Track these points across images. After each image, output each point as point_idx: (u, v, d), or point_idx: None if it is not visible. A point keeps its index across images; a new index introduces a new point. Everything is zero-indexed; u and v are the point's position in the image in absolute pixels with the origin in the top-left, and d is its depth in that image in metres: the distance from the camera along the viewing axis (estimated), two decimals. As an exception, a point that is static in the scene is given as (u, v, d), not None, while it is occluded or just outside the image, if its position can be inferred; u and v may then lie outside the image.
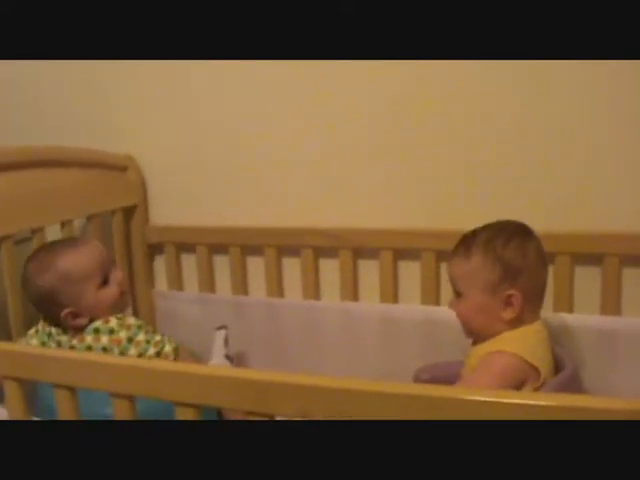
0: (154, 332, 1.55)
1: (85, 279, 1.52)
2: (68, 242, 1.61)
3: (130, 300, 1.68)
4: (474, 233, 1.47)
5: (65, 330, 1.55)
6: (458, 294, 1.45)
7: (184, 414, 1.06)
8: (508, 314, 1.42)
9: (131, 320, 1.54)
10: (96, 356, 1.35)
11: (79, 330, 1.53)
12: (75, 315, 1.52)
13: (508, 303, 1.41)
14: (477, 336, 1.46)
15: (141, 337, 1.51)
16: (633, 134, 1.55)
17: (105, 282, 1.56)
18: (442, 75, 1.65)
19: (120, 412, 1.12)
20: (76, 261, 1.53)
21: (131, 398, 1.11)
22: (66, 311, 1.51)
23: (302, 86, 1.79)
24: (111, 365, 1.12)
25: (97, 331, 1.51)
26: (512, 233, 1.45)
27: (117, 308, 1.56)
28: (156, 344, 1.51)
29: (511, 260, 1.43)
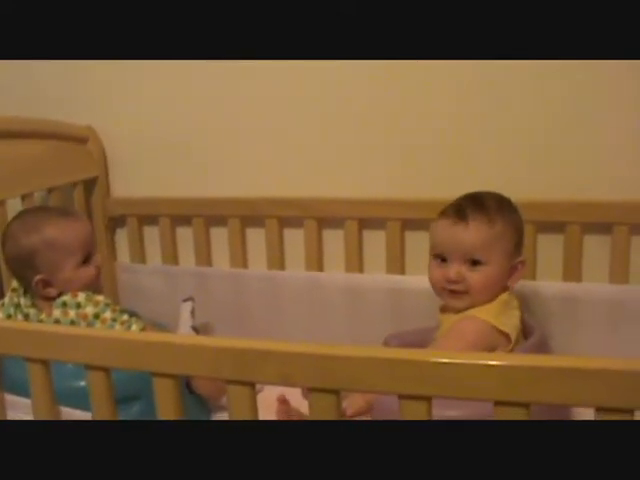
0: (122, 312, 1.53)
1: (68, 252, 1.50)
2: (61, 211, 1.59)
3: (102, 285, 1.66)
4: (477, 199, 1.45)
5: (34, 302, 1.53)
6: (475, 262, 1.42)
7: (162, 385, 1.05)
8: (512, 282, 1.45)
9: (100, 297, 1.51)
10: (69, 328, 1.34)
11: (46, 300, 1.51)
12: (46, 284, 1.50)
13: (514, 271, 1.44)
14: (476, 305, 1.44)
15: (108, 314, 1.49)
16: (600, 102, 1.57)
17: (85, 261, 1.54)
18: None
19: (95, 384, 1.10)
20: (64, 232, 1.51)
21: (106, 370, 1.10)
22: (39, 277, 1.49)
23: (267, 63, 1.76)
24: (86, 337, 1.10)
25: (64, 305, 1.48)
26: (509, 202, 1.47)
27: (90, 289, 1.53)
28: (122, 323, 1.49)
29: (521, 227, 1.46)
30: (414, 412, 0.91)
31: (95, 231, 1.94)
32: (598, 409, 0.85)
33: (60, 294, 1.50)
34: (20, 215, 1.57)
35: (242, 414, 1.01)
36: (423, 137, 1.71)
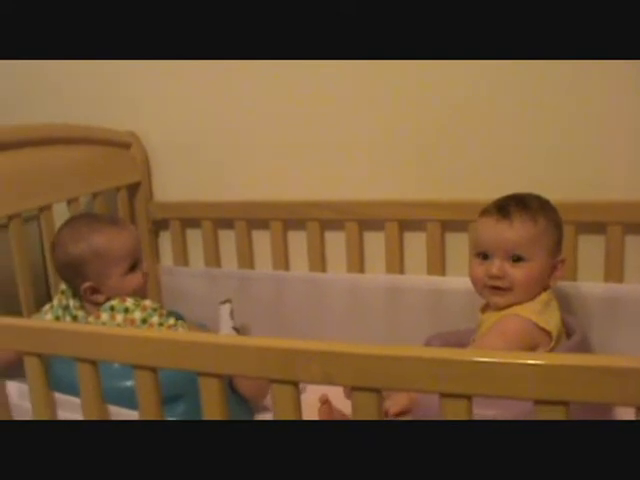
0: (168, 316, 1.56)
1: (115, 261, 1.55)
2: (109, 219, 1.63)
3: (148, 290, 1.70)
4: (520, 198, 1.47)
5: (82, 305, 1.57)
6: (517, 258, 1.43)
7: (207, 384, 1.07)
8: (553, 280, 1.46)
9: (147, 302, 1.55)
10: (118, 329, 1.36)
11: (95, 305, 1.55)
12: (94, 290, 1.54)
13: (554, 269, 1.45)
14: (517, 303, 1.44)
15: (155, 319, 1.52)
16: (634, 102, 1.57)
17: (132, 269, 1.58)
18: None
19: (142, 384, 1.13)
20: (112, 241, 1.55)
21: (154, 369, 1.12)
22: (87, 284, 1.53)
23: (302, 63, 1.79)
24: (133, 337, 1.13)
25: (112, 309, 1.52)
26: (549, 202, 1.48)
27: (137, 295, 1.56)
28: (169, 327, 1.53)
29: (561, 226, 1.48)
30: (455, 410, 0.92)
31: (138, 235, 1.98)
32: (639, 409, 0.86)
33: (107, 299, 1.54)
34: (69, 222, 1.61)
35: (286, 413, 1.03)
36: (463, 139, 1.72)
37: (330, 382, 0.98)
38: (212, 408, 1.08)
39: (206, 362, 1.06)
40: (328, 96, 1.81)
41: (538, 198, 1.48)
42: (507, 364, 0.89)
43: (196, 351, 1.06)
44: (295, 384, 1.02)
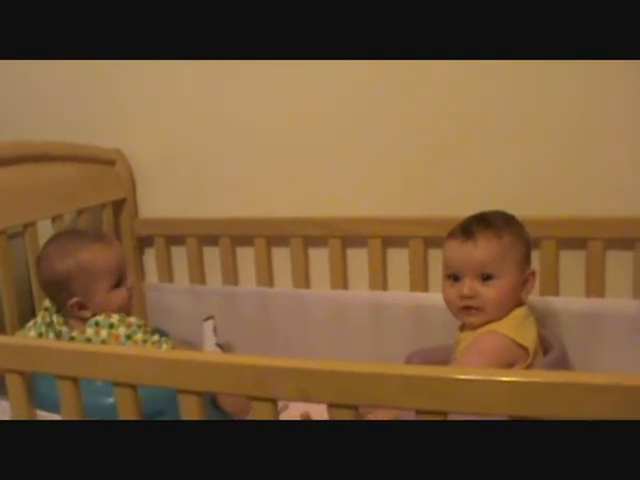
0: (152, 333, 1.57)
1: (101, 276, 1.56)
2: (94, 235, 1.64)
3: (133, 306, 1.71)
4: (483, 217, 1.48)
5: (66, 320, 1.58)
6: (487, 277, 1.43)
7: (187, 401, 1.08)
8: (525, 294, 1.47)
9: (132, 319, 1.56)
10: (98, 347, 1.37)
11: (81, 321, 1.56)
12: (81, 306, 1.55)
13: (525, 282, 1.46)
14: (492, 321, 1.45)
15: (139, 336, 1.53)
16: (614, 117, 1.59)
17: (118, 284, 1.59)
18: (429, 66, 1.67)
19: (123, 401, 1.14)
20: (98, 257, 1.56)
21: (134, 387, 1.13)
22: (74, 300, 1.54)
23: (288, 79, 1.81)
24: (114, 355, 1.13)
25: (97, 324, 1.53)
26: (514, 217, 1.49)
27: (122, 311, 1.58)
28: (153, 343, 1.53)
29: (529, 239, 1.48)
30: (430, 427, 0.93)
31: (124, 251, 1.98)
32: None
33: (94, 315, 1.55)
34: (55, 239, 1.62)
35: (264, 429, 1.03)
36: (445, 156, 1.73)
37: (306, 399, 0.99)
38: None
39: (184, 379, 1.07)
40: (312, 114, 1.83)
41: (502, 214, 1.49)
42: (482, 381, 0.90)
43: (174, 368, 1.07)
44: (273, 401, 1.02)
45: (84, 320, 1.55)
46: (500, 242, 1.43)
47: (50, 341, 1.50)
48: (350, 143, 1.81)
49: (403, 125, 1.75)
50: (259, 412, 1.03)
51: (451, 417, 0.93)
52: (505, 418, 0.90)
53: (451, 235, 1.49)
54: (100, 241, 1.60)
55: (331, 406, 0.98)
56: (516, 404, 0.88)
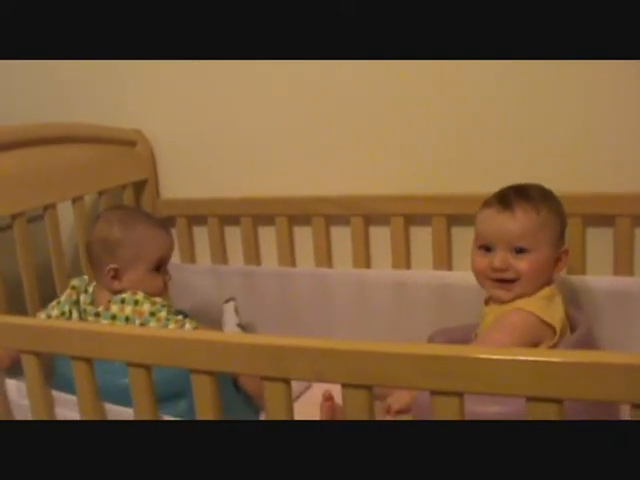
0: (176, 313, 1.58)
1: (147, 257, 1.59)
2: (155, 220, 1.70)
3: (168, 296, 1.74)
4: (522, 189, 1.44)
5: (92, 300, 1.59)
6: (520, 250, 1.40)
7: (200, 381, 1.07)
8: (557, 271, 1.44)
9: (157, 299, 1.57)
10: (111, 327, 1.37)
11: (109, 294, 1.57)
12: (116, 275, 1.57)
13: (558, 260, 1.43)
14: (521, 297, 1.42)
15: (163, 314, 1.54)
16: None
17: (157, 270, 1.61)
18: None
19: (136, 381, 1.13)
20: (153, 239, 1.61)
21: (147, 367, 1.12)
22: (113, 265, 1.57)
23: (308, 64, 1.78)
24: (126, 335, 1.13)
25: (123, 301, 1.54)
26: (551, 192, 1.45)
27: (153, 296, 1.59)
28: (176, 322, 1.54)
29: (565, 216, 1.45)
30: (446, 408, 0.91)
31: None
32: (634, 405, 0.84)
33: (122, 290, 1.56)
34: (123, 207, 1.73)
35: (277, 409, 1.02)
36: (469, 133, 1.70)
37: (320, 379, 0.97)
38: (205, 405, 1.08)
39: (197, 359, 1.06)
40: (333, 92, 1.80)
41: (540, 188, 1.45)
42: (499, 360, 0.87)
43: (187, 348, 1.06)
44: (286, 381, 1.01)
45: (112, 292, 1.57)
46: (538, 216, 1.40)
47: (64, 322, 1.50)
48: (372, 121, 1.78)
49: (425, 102, 1.72)
50: (272, 393, 1.01)
51: (467, 398, 0.91)
52: (523, 398, 0.88)
53: (486, 204, 1.46)
54: (160, 227, 1.66)
55: (345, 386, 0.96)
56: (534, 384, 0.86)
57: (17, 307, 1.58)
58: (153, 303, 1.55)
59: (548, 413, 0.87)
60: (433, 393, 0.91)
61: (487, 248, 1.45)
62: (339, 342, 0.96)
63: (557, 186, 1.47)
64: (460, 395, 0.91)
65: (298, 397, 1.61)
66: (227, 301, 1.85)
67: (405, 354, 0.91)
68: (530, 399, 0.87)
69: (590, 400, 0.86)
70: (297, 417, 1.04)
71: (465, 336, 1.54)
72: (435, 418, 0.92)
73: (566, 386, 0.85)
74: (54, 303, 1.61)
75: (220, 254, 2.00)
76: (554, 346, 1.36)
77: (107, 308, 1.55)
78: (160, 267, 1.62)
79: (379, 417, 1.41)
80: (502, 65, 1.62)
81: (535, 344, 1.36)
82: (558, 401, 0.86)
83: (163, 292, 1.64)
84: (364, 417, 0.96)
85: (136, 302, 1.54)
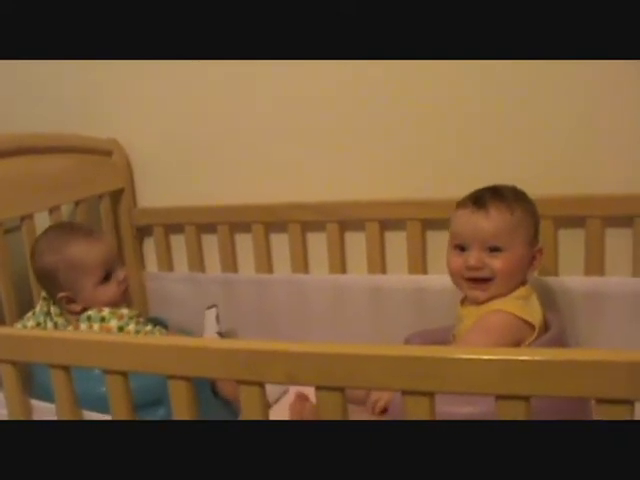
0: (146, 323, 1.58)
1: (88, 272, 1.56)
2: (83, 231, 1.63)
3: (131, 298, 1.72)
4: (496, 189, 1.47)
5: (62, 312, 1.59)
6: (494, 249, 1.42)
7: (177, 387, 1.08)
8: (532, 270, 1.47)
9: (124, 311, 1.57)
10: (88, 335, 1.38)
11: (72, 315, 1.57)
12: (70, 300, 1.56)
13: (533, 259, 1.46)
14: (495, 297, 1.44)
15: (131, 327, 1.54)
16: (615, 97, 1.57)
17: (106, 279, 1.59)
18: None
19: (114, 388, 1.14)
20: (83, 252, 1.56)
21: (124, 374, 1.13)
22: (62, 294, 1.56)
23: (284, 64, 1.78)
24: (102, 342, 1.13)
25: (89, 319, 1.54)
26: (524, 192, 1.48)
27: (113, 305, 1.57)
28: (146, 334, 1.55)
29: (538, 216, 1.48)
30: (417, 408, 0.93)
31: (123, 241, 1.99)
32: (598, 401, 0.86)
33: (85, 309, 1.56)
34: (46, 232, 1.63)
35: (253, 412, 1.03)
36: (441, 137, 1.72)
37: (293, 382, 0.98)
38: (181, 410, 1.09)
39: (173, 365, 1.06)
40: (308, 99, 1.82)
41: (513, 189, 1.48)
42: (468, 360, 0.89)
43: (163, 354, 1.07)
44: (261, 385, 1.02)
45: (75, 314, 1.57)
46: (512, 215, 1.43)
47: (41, 331, 1.51)
48: (345, 127, 1.80)
49: (399, 108, 1.74)
50: (247, 396, 1.03)
51: (440, 398, 0.93)
52: (492, 397, 0.89)
53: (461, 205, 1.48)
54: (88, 236, 1.60)
55: (318, 388, 0.97)
56: (503, 383, 0.88)
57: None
58: (120, 317, 1.55)
59: (517, 411, 0.89)
60: (404, 393, 0.93)
61: (462, 248, 1.47)
62: (311, 345, 0.97)
63: (528, 189, 1.50)
64: (431, 395, 0.92)
65: (276, 402, 1.63)
66: (209, 307, 1.85)
67: (375, 355, 0.93)
68: (499, 397, 0.89)
69: (558, 396, 0.88)
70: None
71: (441, 338, 1.56)
72: (407, 418, 0.94)
73: (534, 383, 0.86)
74: (29, 314, 1.62)
75: (197, 262, 2.01)
76: (531, 344, 1.38)
77: (76, 327, 1.55)
78: (109, 274, 1.59)
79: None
80: (483, 70, 1.64)
81: (516, 344, 1.38)
82: (526, 398, 0.88)
83: (121, 299, 1.61)
84: (338, 419, 0.97)
85: (102, 319, 1.54)
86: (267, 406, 1.05)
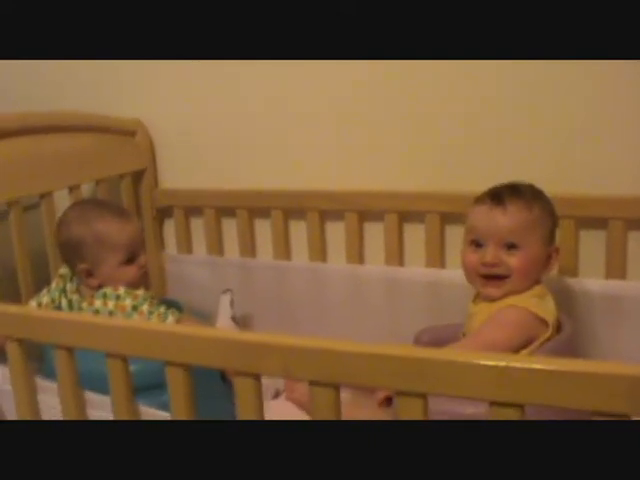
0: (160, 305, 1.59)
1: (112, 250, 1.57)
2: (115, 209, 1.65)
3: (150, 282, 1.72)
4: (514, 186, 1.45)
5: (78, 289, 1.61)
6: (511, 246, 1.40)
7: (174, 373, 1.08)
8: (548, 270, 1.45)
9: (139, 292, 1.57)
10: (91, 317, 1.39)
11: (89, 289, 1.59)
12: (89, 273, 1.58)
13: (549, 258, 1.44)
14: (510, 294, 1.42)
15: (145, 307, 1.55)
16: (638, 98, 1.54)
17: (129, 261, 1.60)
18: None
19: (113, 371, 1.15)
20: (113, 230, 1.58)
21: (124, 358, 1.13)
22: (83, 266, 1.58)
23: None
24: (104, 326, 1.14)
25: (105, 296, 1.55)
26: (542, 190, 1.46)
27: (130, 287, 1.58)
28: (159, 315, 1.55)
29: (556, 215, 1.46)
30: (409, 408, 0.91)
31: (143, 222, 1.99)
32: (594, 412, 0.84)
33: (101, 286, 1.57)
34: (78, 204, 1.67)
35: (248, 404, 1.03)
36: (466, 132, 1.70)
37: (289, 376, 0.98)
38: (177, 396, 1.09)
39: (171, 352, 1.07)
40: (330, 87, 1.80)
41: (531, 187, 1.46)
42: (463, 363, 0.87)
43: (162, 340, 1.07)
44: (257, 376, 1.01)
45: (91, 288, 1.58)
46: (530, 213, 1.41)
47: (46, 311, 1.52)
48: (370, 117, 1.78)
49: (423, 99, 1.72)
50: (242, 386, 1.02)
51: (431, 399, 0.91)
52: (486, 402, 0.88)
53: (479, 200, 1.46)
54: (120, 215, 1.62)
55: (312, 383, 0.97)
56: (498, 389, 0.86)
57: (12, 292, 1.61)
58: (135, 297, 1.56)
59: (510, 418, 0.87)
60: (397, 393, 0.92)
61: (478, 244, 1.45)
62: (307, 339, 0.96)
63: (551, 187, 1.47)
64: (424, 396, 0.91)
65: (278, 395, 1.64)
66: (224, 292, 1.85)
67: (370, 354, 0.91)
68: (493, 404, 0.87)
69: (552, 406, 0.86)
70: (276, 414, 1.05)
71: (451, 335, 1.54)
72: (398, 418, 0.93)
73: (530, 392, 0.85)
74: (45, 290, 1.63)
75: (216, 246, 2.01)
76: (548, 340, 1.37)
77: (91, 303, 1.56)
78: (132, 257, 1.61)
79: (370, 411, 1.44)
80: (500, 67, 1.61)
81: (530, 340, 1.36)
82: (520, 406, 0.86)
83: (140, 282, 1.61)
84: (330, 415, 0.97)
85: (118, 297, 1.55)
86: (262, 399, 1.04)
